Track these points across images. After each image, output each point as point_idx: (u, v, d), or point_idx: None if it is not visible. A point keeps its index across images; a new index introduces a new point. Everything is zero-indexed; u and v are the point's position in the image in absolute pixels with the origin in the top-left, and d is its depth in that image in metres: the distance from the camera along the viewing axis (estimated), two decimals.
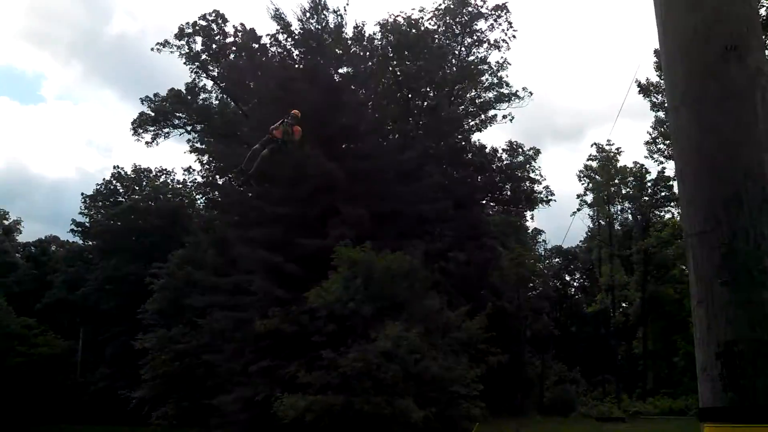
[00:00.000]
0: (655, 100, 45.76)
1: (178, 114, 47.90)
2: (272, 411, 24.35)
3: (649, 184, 55.64)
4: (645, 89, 45.44)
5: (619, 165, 56.98)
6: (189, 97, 47.54)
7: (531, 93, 49.18)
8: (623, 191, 58.29)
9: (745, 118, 2.89)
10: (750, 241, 2.76)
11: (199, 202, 56.73)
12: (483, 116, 49.60)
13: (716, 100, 2.93)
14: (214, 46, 45.91)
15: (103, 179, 65.78)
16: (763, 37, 3.06)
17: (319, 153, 30.12)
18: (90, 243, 63.46)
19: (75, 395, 50.01)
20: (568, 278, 69.16)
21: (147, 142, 48.07)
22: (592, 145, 62.67)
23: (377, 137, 37.52)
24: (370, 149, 33.92)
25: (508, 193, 50.45)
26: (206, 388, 32.99)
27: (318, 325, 25.81)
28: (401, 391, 23.83)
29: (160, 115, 47.36)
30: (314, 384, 24.13)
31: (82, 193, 65.48)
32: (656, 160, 52.11)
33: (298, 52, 42.55)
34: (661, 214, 55.98)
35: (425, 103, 46.93)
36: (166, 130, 48.19)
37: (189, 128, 48.97)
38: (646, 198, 56.11)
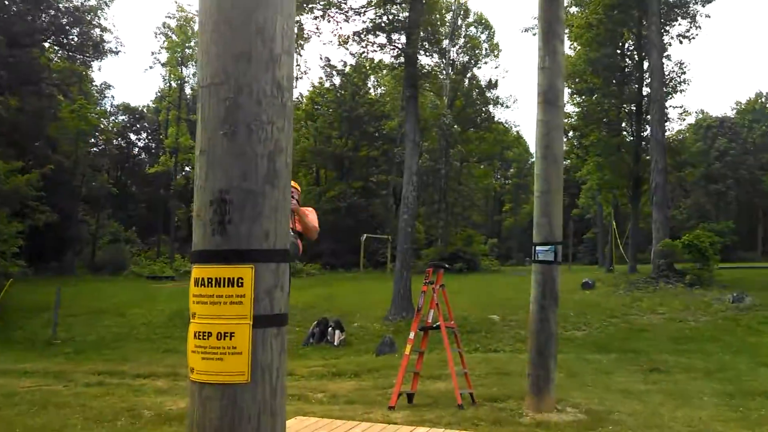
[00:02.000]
0: None
1: None
2: None
3: None
4: None
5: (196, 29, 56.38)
6: None
7: None
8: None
9: None
10: (253, 97, 2.91)
11: None
12: None
13: None
14: None
15: None
16: None
17: None
18: None
19: None
20: (133, 137, 66.84)
21: None
22: (174, 2, 60.38)
23: None
24: None
25: (75, 38, 45.80)
26: None
27: None
28: None
29: None
30: None
31: None
32: None
33: None
34: None
35: None
36: None
37: None
38: None
